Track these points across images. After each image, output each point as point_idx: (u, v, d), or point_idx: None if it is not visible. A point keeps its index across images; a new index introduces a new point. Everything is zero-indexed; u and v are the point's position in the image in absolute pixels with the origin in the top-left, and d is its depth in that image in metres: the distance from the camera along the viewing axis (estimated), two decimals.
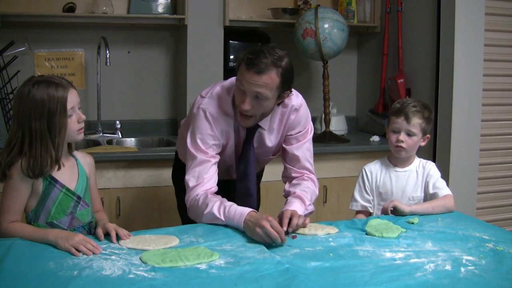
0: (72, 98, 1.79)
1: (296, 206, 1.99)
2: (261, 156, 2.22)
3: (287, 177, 2.22)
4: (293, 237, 1.78)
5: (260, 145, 2.17)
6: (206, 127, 2.04)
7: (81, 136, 1.86)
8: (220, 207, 1.91)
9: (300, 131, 2.18)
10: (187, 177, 2.03)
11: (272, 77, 1.91)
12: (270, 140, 2.16)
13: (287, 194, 2.16)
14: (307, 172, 2.19)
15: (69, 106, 1.78)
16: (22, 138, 1.75)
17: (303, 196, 2.07)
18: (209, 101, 2.07)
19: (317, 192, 2.18)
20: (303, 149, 2.19)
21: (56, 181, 1.81)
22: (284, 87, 1.98)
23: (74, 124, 1.81)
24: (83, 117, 1.84)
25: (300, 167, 2.18)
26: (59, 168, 1.80)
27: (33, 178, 1.76)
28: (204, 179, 2.00)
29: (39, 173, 1.75)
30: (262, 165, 2.35)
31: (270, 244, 1.75)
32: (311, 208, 2.10)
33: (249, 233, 1.81)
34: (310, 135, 2.21)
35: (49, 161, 1.76)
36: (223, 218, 1.89)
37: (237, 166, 2.20)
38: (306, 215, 2.01)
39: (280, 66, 1.93)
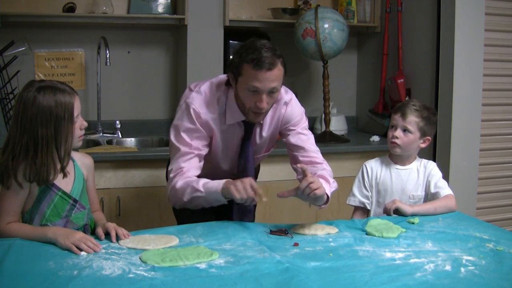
0: (77, 105, 1.80)
1: (322, 184, 1.99)
2: (254, 153, 2.23)
3: (295, 164, 2.20)
4: (295, 244, 1.77)
5: (254, 142, 2.20)
6: (189, 122, 2.07)
7: (80, 143, 1.87)
8: (199, 181, 1.96)
9: (293, 123, 2.20)
10: (169, 169, 2.07)
11: (280, 69, 1.96)
12: (263, 135, 2.20)
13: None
14: (315, 156, 2.19)
15: (75, 112, 1.78)
16: (26, 145, 1.73)
17: (325, 175, 2.08)
18: (196, 96, 2.10)
19: (331, 171, 2.17)
20: (301, 135, 2.21)
21: (52, 184, 1.80)
22: (286, 73, 2.02)
23: (77, 131, 1.81)
24: (85, 124, 1.85)
25: (304, 151, 2.19)
26: (64, 176, 1.80)
27: (38, 185, 1.76)
28: (183, 168, 2.03)
29: (43, 180, 1.75)
30: (257, 162, 2.36)
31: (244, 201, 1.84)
32: (335, 185, 2.12)
33: (227, 191, 1.86)
34: (304, 123, 2.23)
35: (53, 169, 1.76)
36: (202, 189, 1.93)
37: (229, 164, 2.22)
38: (332, 192, 2.06)
39: (280, 56, 1.97)
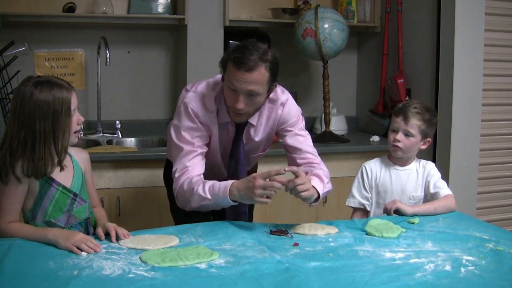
0: (74, 100, 1.81)
1: (315, 183, 1.99)
2: (250, 153, 2.24)
3: (293, 165, 2.22)
4: (295, 244, 1.77)
5: (249, 141, 2.20)
6: (189, 121, 2.07)
7: (76, 139, 1.87)
8: (205, 187, 1.95)
9: (290, 123, 2.20)
10: (173, 169, 2.07)
11: (262, 73, 1.94)
12: (258, 136, 2.20)
13: None
14: (312, 157, 2.19)
15: (72, 107, 1.79)
16: (24, 139, 1.74)
17: (321, 174, 2.08)
18: (193, 96, 2.10)
19: (328, 172, 2.18)
20: (298, 137, 2.20)
21: (52, 180, 1.81)
22: (273, 80, 2.01)
23: (74, 126, 1.82)
24: (82, 119, 1.86)
25: (302, 153, 2.19)
26: (61, 170, 1.81)
27: (36, 179, 1.76)
28: (188, 167, 2.03)
29: (42, 174, 1.76)
30: (253, 162, 2.36)
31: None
32: (329, 186, 2.12)
33: (244, 201, 1.89)
34: (301, 124, 2.23)
35: (51, 162, 1.76)
36: (210, 197, 1.93)
37: (227, 164, 2.22)
38: (326, 192, 2.08)
39: (267, 61, 1.95)
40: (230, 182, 1.93)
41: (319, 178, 2.05)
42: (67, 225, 1.84)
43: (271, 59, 1.97)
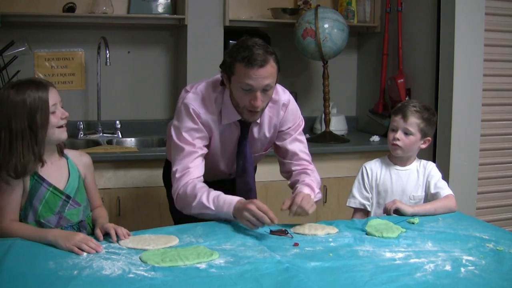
0: (53, 96, 1.80)
1: (307, 192, 2.01)
2: (252, 153, 2.23)
3: (287, 172, 2.24)
4: (295, 244, 1.77)
5: (251, 141, 2.19)
6: (190, 121, 2.06)
7: (64, 135, 1.84)
8: (209, 196, 1.94)
9: (291, 126, 2.20)
10: (173, 169, 2.06)
11: (272, 65, 1.96)
12: (261, 135, 2.20)
13: (293, 183, 2.17)
14: (307, 163, 2.21)
15: (51, 103, 1.78)
16: (5, 140, 1.74)
17: (312, 184, 2.09)
18: (193, 96, 2.09)
19: (320, 180, 2.20)
20: (298, 142, 2.21)
21: (42, 179, 1.81)
22: (279, 70, 2.03)
23: (56, 120, 1.80)
24: (66, 113, 1.84)
25: (298, 159, 2.20)
26: (42, 165, 1.80)
27: (17, 178, 1.75)
28: (189, 168, 2.03)
29: (22, 172, 1.75)
30: (255, 162, 2.36)
31: (257, 227, 1.83)
32: (319, 196, 2.13)
33: (239, 219, 1.87)
34: (301, 128, 2.24)
35: (31, 158, 1.76)
36: (213, 207, 1.93)
37: (227, 164, 2.22)
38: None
39: (272, 53, 1.97)
40: (235, 199, 1.91)
41: (311, 188, 2.07)
42: (57, 226, 1.83)
43: (273, 50, 1.99)
